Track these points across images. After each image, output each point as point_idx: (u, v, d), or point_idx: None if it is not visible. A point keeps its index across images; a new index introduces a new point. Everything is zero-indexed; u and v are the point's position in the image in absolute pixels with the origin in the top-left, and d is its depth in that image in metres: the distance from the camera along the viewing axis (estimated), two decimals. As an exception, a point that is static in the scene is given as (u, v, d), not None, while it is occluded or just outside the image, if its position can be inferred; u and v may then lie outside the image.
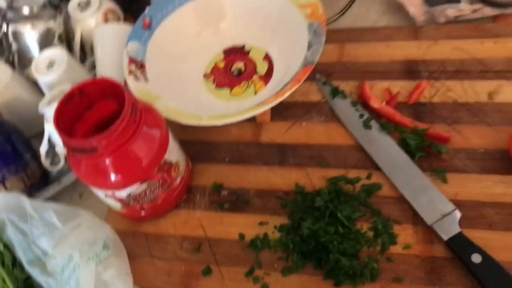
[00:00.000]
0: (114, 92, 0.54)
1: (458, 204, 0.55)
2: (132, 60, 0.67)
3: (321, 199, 0.57)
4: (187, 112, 0.62)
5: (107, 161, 0.51)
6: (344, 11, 0.78)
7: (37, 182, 0.66)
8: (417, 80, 0.65)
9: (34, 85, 0.75)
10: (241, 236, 0.59)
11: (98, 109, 0.56)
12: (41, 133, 0.68)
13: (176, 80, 0.69)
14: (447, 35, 0.68)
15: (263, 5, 0.70)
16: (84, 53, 0.81)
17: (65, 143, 0.51)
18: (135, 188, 0.55)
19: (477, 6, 0.71)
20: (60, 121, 0.51)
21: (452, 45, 0.67)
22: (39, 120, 0.68)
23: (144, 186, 0.55)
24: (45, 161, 0.66)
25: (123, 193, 0.55)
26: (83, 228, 0.58)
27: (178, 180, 0.60)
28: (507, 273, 0.49)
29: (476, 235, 0.53)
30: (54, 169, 0.67)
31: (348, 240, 0.55)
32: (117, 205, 0.58)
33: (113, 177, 0.52)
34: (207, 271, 0.57)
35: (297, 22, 0.67)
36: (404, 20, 0.74)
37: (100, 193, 0.56)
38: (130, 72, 0.66)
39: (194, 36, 0.74)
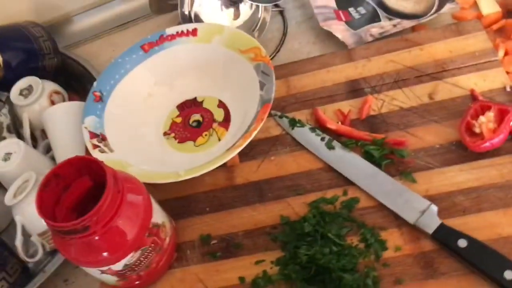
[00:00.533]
0: (89, 169, 0.54)
1: (431, 199, 0.60)
2: (93, 134, 0.68)
3: (308, 224, 0.60)
4: (162, 172, 0.63)
5: (100, 237, 0.51)
6: (278, 48, 0.83)
7: (19, 277, 0.63)
8: (363, 97, 0.71)
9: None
10: (241, 279, 0.60)
11: (75, 188, 0.56)
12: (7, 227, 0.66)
13: (139, 144, 0.70)
14: (378, 51, 0.75)
15: (209, 57, 0.74)
16: (35, 139, 0.79)
17: (54, 229, 0.50)
18: (131, 258, 0.54)
19: (396, 21, 0.79)
20: (43, 208, 0.50)
21: (384, 59, 0.74)
22: (4, 214, 0.66)
23: (138, 253, 0.55)
24: (23, 255, 0.64)
25: (119, 266, 0.54)
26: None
27: (167, 240, 0.60)
28: (493, 250, 0.53)
29: (455, 223, 0.57)
30: (33, 260, 0.65)
31: (344, 256, 0.57)
32: (113, 279, 0.57)
33: (107, 251, 0.52)
34: (217, 323, 0.57)
35: (243, 66, 0.71)
36: (336, 46, 0.80)
37: (94, 271, 0.55)
38: (95, 146, 0.66)
39: (145, 98, 0.75)
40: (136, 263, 0.56)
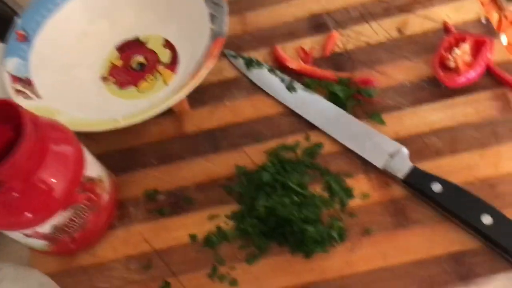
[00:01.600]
0: (8, 117, 0.45)
1: (402, 141, 0.54)
2: (16, 78, 0.58)
3: (267, 173, 0.53)
4: (97, 120, 0.55)
5: (19, 194, 0.43)
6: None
7: None
8: (327, 33, 0.64)
9: None
10: (193, 237, 0.53)
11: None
12: None
13: (73, 90, 0.61)
14: (343, -17, 0.67)
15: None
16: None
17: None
18: (59, 218, 0.47)
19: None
20: None
21: (350, -9, 0.66)
22: None
23: (69, 212, 0.47)
24: None
25: (46, 227, 0.46)
26: (8, 283, 0.48)
27: (106, 196, 0.53)
28: (469, 193, 0.48)
29: (428, 166, 0.52)
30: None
31: (307, 207, 0.51)
32: (42, 244, 0.49)
33: (30, 211, 0.44)
34: (166, 286, 0.51)
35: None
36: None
37: (17, 235, 0.47)
38: (18, 91, 0.56)
39: (80, 38, 0.66)
40: (68, 224, 0.48)
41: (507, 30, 0.60)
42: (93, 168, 0.51)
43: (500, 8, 0.62)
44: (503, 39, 0.59)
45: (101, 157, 0.56)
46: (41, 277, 0.50)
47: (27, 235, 0.47)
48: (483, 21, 0.60)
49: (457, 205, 0.48)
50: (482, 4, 0.63)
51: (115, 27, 0.67)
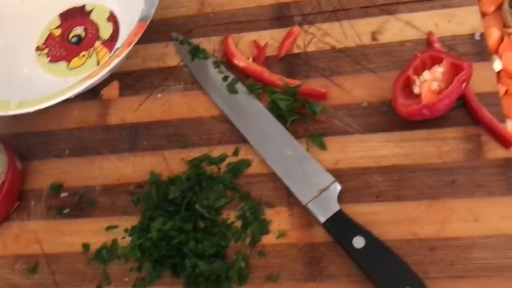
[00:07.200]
0: None
1: (340, 174, 0.45)
2: None
3: (176, 189, 0.46)
4: (-3, 99, 0.48)
5: None
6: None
7: None
8: (289, 27, 0.54)
9: None
10: (86, 247, 0.47)
11: None
12: None
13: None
14: (322, -32, 0.56)
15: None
16: None
17: None
18: None
19: None
20: None
21: (328, -21, 0.56)
22: None
23: None
24: None
25: None
26: None
27: (-3, 187, 0.47)
28: (396, 257, 0.39)
29: (362, 210, 0.43)
30: None
31: (211, 237, 0.44)
32: None
33: None
34: (45, 297, 0.46)
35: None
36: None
37: None
38: None
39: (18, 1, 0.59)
40: None
41: (505, 53, 0.48)
42: (-22, 156, 0.45)
43: (504, 25, 0.50)
44: (497, 63, 0.48)
45: (15, 137, 0.50)
46: None
47: None
48: (477, 37, 0.48)
49: (378, 270, 0.39)
50: (483, 15, 0.51)
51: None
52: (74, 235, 0.48)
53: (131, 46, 0.46)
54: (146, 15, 0.48)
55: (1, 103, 0.46)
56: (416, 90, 0.44)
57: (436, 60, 0.45)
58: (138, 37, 0.47)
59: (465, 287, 0.39)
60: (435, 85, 0.44)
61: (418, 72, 0.45)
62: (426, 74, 0.44)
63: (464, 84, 0.43)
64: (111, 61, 0.45)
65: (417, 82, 0.44)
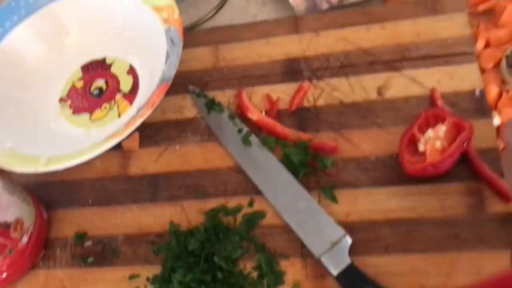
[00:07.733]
0: None
1: (351, 226, 0.47)
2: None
3: (195, 241, 0.49)
4: (26, 155, 0.51)
5: None
6: (220, 5, 0.68)
7: None
8: (300, 81, 0.57)
9: None
10: (109, 295, 0.50)
11: None
12: None
13: (22, 112, 0.58)
14: (330, 24, 0.60)
15: (109, 9, 0.60)
16: None
17: None
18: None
19: (362, -14, 0.63)
20: None
21: (335, 36, 0.59)
22: None
23: (-31, 260, 0.45)
24: None
25: None
26: None
27: (25, 238, 0.50)
28: (403, 310, 0.42)
29: (372, 262, 0.46)
30: None
31: (228, 287, 0.46)
32: None
33: None
34: None
35: (154, 27, 0.57)
36: (286, 11, 0.65)
37: None
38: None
39: (41, 54, 0.62)
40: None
41: (504, 110, 0.51)
42: (10, 211, 0.48)
43: (502, 81, 0.53)
44: (496, 119, 0.51)
45: (40, 186, 0.53)
46: None
47: None
48: (477, 93, 0.52)
49: (387, 322, 0.42)
50: (482, 71, 0.54)
51: (83, 45, 0.63)
52: (97, 284, 0.51)
53: (154, 106, 0.49)
54: (167, 76, 0.51)
55: (30, 159, 0.49)
56: (421, 148, 0.47)
57: (439, 118, 0.48)
58: (161, 98, 0.50)
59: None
60: (438, 144, 0.46)
61: (423, 129, 0.48)
62: (430, 132, 0.47)
63: (465, 143, 0.46)
64: (135, 121, 0.49)
65: (422, 140, 0.47)
